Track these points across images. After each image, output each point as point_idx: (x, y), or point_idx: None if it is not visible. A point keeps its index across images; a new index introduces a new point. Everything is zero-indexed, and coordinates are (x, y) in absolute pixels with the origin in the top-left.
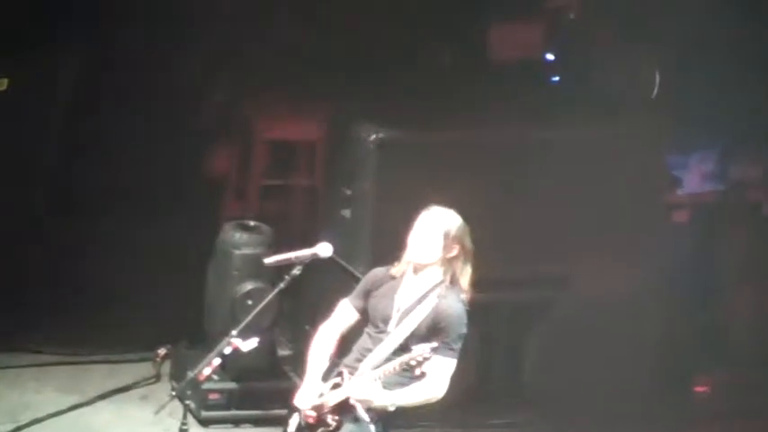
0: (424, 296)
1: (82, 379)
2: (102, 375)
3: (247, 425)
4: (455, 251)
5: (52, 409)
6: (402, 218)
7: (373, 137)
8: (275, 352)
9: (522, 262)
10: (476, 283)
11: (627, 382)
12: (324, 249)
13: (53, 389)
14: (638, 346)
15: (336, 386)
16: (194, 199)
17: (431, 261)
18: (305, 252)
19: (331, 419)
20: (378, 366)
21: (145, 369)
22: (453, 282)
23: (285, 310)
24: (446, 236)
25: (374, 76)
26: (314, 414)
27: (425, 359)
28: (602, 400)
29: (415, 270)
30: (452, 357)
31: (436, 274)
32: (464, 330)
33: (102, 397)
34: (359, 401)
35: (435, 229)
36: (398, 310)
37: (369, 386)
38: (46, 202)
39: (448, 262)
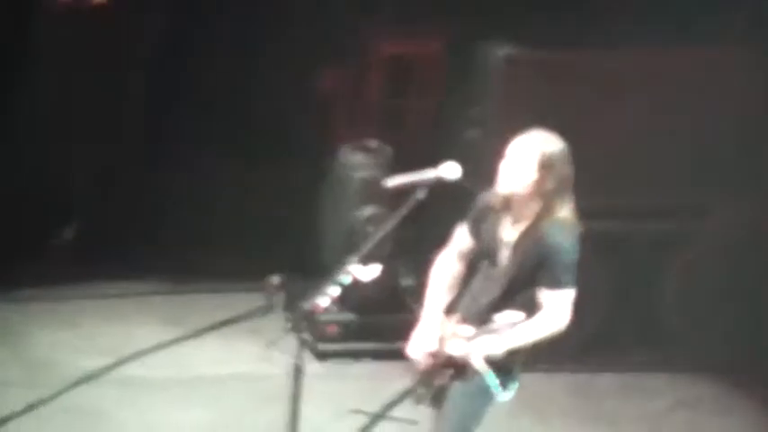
0: (527, 231)
1: (188, 310)
2: (209, 307)
3: (366, 358)
4: (551, 181)
5: (156, 342)
6: None
7: (502, 52)
8: (397, 282)
9: (657, 189)
10: (610, 212)
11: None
12: (450, 171)
13: (157, 321)
14: None
15: (453, 335)
16: (308, 122)
17: (521, 192)
18: (428, 174)
19: (444, 372)
20: (487, 310)
21: (255, 300)
22: (553, 214)
23: (408, 238)
24: (540, 165)
25: None
26: (429, 363)
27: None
28: (743, 340)
29: (511, 202)
30: (565, 288)
31: (534, 206)
32: (573, 258)
33: (210, 330)
34: (467, 360)
35: (527, 158)
36: (504, 244)
37: (475, 345)
38: (153, 132)
39: (544, 194)
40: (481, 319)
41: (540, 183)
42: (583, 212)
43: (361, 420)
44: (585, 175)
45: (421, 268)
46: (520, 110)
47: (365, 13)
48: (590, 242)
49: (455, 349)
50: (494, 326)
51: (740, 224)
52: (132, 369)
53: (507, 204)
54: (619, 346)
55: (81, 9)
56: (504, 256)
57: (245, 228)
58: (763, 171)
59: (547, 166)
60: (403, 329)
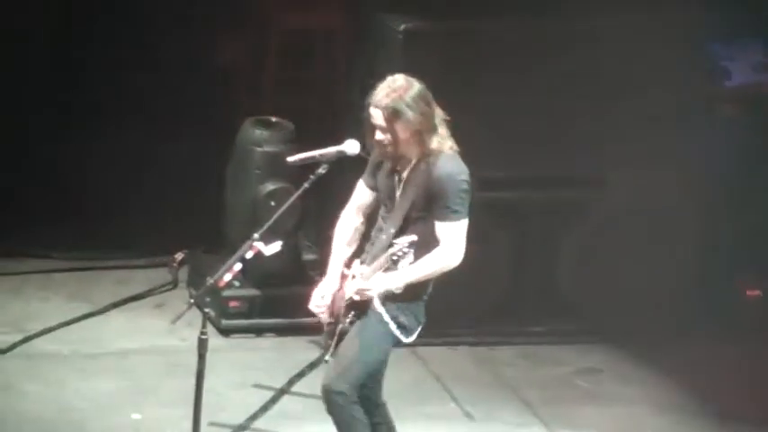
0: (413, 169)
1: (92, 286)
2: (114, 282)
3: (270, 334)
4: (412, 124)
5: (60, 319)
6: None
7: (401, 27)
8: (300, 256)
9: (556, 160)
10: (507, 181)
11: (669, 289)
12: (351, 146)
13: (61, 297)
14: (681, 251)
15: (353, 278)
16: (208, 96)
17: (389, 148)
18: (331, 149)
19: (346, 317)
20: (384, 249)
21: (160, 275)
22: (431, 149)
23: (310, 212)
24: (388, 120)
25: None
26: (329, 315)
27: (405, 253)
28: (642, 307)
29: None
30: (458, 219)
31: (410, 149)
32: (464, 186)
33: (115, 305)
34: (365, 298)
35: (376, 119)
36: (397, 184)
37: (368, 281)
38: (58, 103)
39: (411, 138)
40: (379, 256)
41: (399, 133)
42: (482, 183)
43: (265, 393)
44: (486, 145)
45: (323, 242)
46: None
47: None
48: (489, 212)
49: (354, 288)
50: (394, 254)
51: (635, 195)
52: (39, 344)
53: (397, 155)
54: (518, 317)
55: None
56: (400, 195)
57: (148, 202)
58: (657, 143)
59: (394, 118)
60: (306, 304)
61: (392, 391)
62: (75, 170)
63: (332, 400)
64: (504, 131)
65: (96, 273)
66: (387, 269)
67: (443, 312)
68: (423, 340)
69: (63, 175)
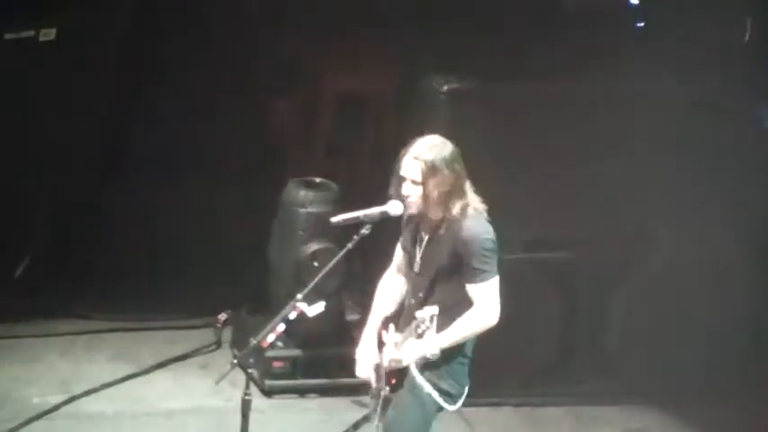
0: (436, 232)
1: (137, 347)
2: (158, 343)
3: (313, 394)
4: (442, 185)
5: (106, 379)
6: (475, 172)
7: (445, 88)
8: (343, 317)
9: (602, 218)
10: (554, 242)
11: (719, 352)
12: (394, 207)
13: (107, 357)
14: (731, 312)
15: (394, 344)
16: (257, 157)
17: (417, 203)
18: (374, 210)
19: (388, 384)
20: (413, 313)
21: (204, 336)
22: (455, 212)
23: (354, 273)
24: (424, 175)
25: (445, 26)
26: (374, 381)
27: (428, 327)
28: (692, 369)
29: (419, 211)
30: (488, 279)
31: (436, 210)
32: (489, 245)
33: (160, 366)
34: (399, 366)
35: (411, 172)
36: (419, 248)
37: (400, 351)
38: (100, 165)
39: (440, 197)
40: (410, 323)
41: (431, 190)
42: (528, 243)
43: None
44: (533, 205)
45: (367, 302)
46: (465, 143)
47: (314, 49)
48: (534, 273)
49: (387, 358)
50: (417, 326)
51: (681, 252)
52: (85, 404)
53: (419, 213)
54: (565, 377)
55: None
56: (421, 258)
57: (193, 263)
58: (706, 200)
59: (431, 173)
60: (349, 364)
61: None
62: (119, 230)
63: None
64: (549, 190)
65: (142, 333)
66: (418, 337)
67: (490, 373)
68: (468, 400)
69: (107, 236)
